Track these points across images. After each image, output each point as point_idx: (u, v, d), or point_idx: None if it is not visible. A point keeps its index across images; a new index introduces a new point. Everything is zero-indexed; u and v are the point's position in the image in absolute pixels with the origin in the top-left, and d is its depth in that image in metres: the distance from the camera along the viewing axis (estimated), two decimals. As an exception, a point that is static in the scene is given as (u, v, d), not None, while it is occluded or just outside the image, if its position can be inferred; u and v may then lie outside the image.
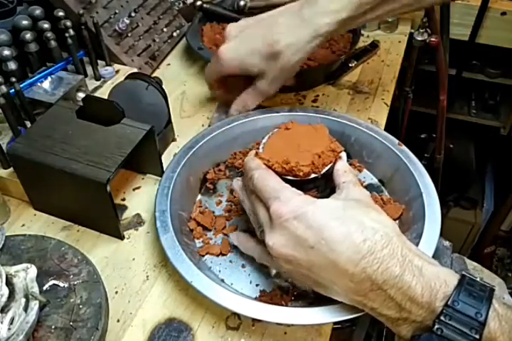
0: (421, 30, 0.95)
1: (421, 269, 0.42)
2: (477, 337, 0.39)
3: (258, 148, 0.53)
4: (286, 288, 0.54)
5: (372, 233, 0.43)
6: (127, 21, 0.81)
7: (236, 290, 0.54)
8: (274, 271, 0.54)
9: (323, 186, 0.53)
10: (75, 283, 0.51)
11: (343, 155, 0.53)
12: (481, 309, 0.40)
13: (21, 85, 0.65)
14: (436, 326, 0.40)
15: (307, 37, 0.62)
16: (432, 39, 0.95)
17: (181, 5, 0.94)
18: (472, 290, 0.41)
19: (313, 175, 0.51)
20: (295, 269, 0.46)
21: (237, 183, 0.56)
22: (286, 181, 0.50)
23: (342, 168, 0.52)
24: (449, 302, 0.40)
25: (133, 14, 0.83)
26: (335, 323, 0.52)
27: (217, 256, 0.58)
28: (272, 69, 0.64)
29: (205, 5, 0.90)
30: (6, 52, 0.66)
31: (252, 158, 0.52)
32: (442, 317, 0.40)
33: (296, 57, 0.63)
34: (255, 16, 0.67)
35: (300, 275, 0.47)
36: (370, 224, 0.44)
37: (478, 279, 0.42)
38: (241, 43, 0.66)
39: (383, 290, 0.42)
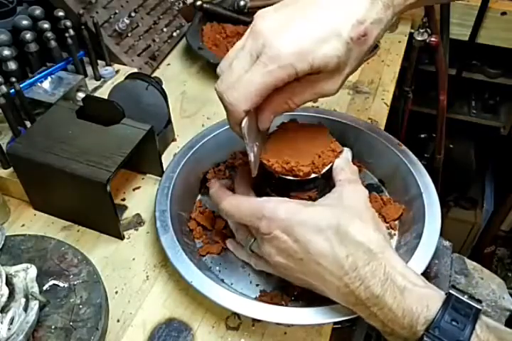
0: (421, 30, 0.95)
1: (403, 291, 0.41)
2: None
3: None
4: (286, 288, 0.54)
5: (356, 248, 0.43)
6: (127, 21, 0.81)
7: (236, 290, 0.54)
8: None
9: (323, 186, 0.52)
10: (75, 283, 0.51)
11: (347, 152, 0.53)
12: (462, 336, 0.39)
13: (21, 85, 0.65)
14: None
15: (382, 7, 0.45)
16: (432, 39, 0.95)
17: (181, 5, 0.94)
18: (455, 316, 0.40)
19: (313, 175, 0.51)
20: (292, 275, 0.48)
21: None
22: (286, 181, 0.50)
23: (339, 166, 0.51)
24: (429, 329, 0.40)
25: (133, 14, 0.83)
26: (335, 323, 0.52)
27: (219, 253, 0.58)
28: (354, 56, 0.45)
29: (205, 5, 0.90)
30: (6, 52, 0.66)
31: (215, 190, 0.52)
32: None
33: (382, 34, 0.47)
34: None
35: (299, 280, 0.49)
36: (354, 238, 0.44)
37: (465, 298, 0.41)
38: (302, 25, 0.43)
39: (367, 307, 0.42)
